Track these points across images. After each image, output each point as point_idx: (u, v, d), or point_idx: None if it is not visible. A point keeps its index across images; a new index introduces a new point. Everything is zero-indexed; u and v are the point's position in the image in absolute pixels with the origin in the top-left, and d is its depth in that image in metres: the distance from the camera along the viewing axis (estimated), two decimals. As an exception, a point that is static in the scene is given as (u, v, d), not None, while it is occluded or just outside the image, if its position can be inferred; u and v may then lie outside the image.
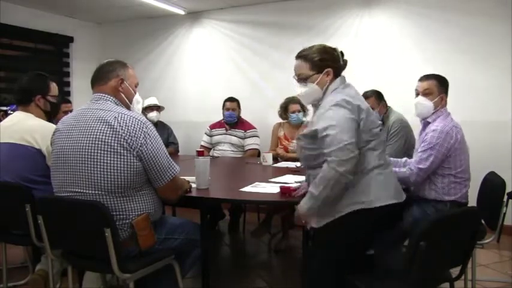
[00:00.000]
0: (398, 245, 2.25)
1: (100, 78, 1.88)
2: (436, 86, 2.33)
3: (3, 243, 2.37)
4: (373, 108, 3.18)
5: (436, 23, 3.94)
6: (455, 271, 1.76)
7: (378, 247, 2.30)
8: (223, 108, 4.21)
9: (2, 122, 2.40)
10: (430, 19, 3.97)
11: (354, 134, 1.68)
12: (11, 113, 2.71)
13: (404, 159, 2.59)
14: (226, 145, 4.14)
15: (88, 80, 1.92)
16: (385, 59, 4.16)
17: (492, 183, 2.40)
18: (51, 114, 2.44)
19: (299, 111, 3.70)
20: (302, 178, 2.48)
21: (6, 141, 2.24)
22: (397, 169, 2.29)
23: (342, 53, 1.94)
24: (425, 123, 2.36)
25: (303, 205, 1.76)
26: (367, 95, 3.22)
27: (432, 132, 2.22)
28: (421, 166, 2.19)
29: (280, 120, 3.90)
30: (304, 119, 3.75)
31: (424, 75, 2.41)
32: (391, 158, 2.61)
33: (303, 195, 1.84)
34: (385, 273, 1.75)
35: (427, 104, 2.32)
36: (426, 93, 2.34)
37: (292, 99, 3.73)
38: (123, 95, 1.89)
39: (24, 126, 2.27)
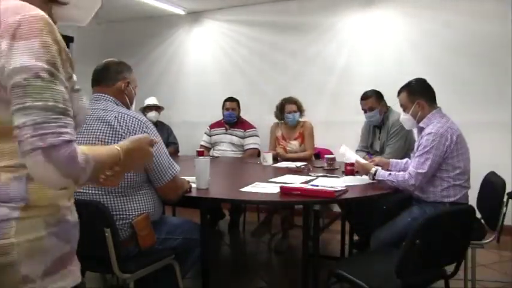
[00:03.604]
0: (397, 244, 2.25)
1: (108, 78, 1.87)
2: (407, 97, 2.38)
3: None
4: (374, 108, 3.19)
5: (436, 24, 3.94)
6: (451, 268, 1.77)
7: (376, 246, 2.31)
8: (223, 108, 4.21)
9: None
10: (431, 19, 3.97)
11: None
12: None
13: (405, 160, 2.59)
14: (226, 145, 4.14)
15: (88, 80, 1.92)
16: (386, 59, 4.17)
17: (492, 183, 2.40)
18: None
19: (295, 112, 3.68)
20: (302, 178, 2.49)
21: None
22: (396, 172, 2.29)
23: None
24: (420, 128, 2.36)
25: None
26: (367, 95, 3.22)
27: (427, 135, 2.22)
28: (419, 171, 2.19)
29: (277, 121, 3.89)
30: (300, 119, 3.74)
31: (398, 91, 2.45)
32: (392, 160, 2.62)
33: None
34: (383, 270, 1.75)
35: (406, 118, 2.41)
36: (403, 108, 2.44)
37: (288, 99, 3.71)
38: (126, 98, 1.90)
39: None
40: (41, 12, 0.83)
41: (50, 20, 0.84)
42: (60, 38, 0.85)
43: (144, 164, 1.14)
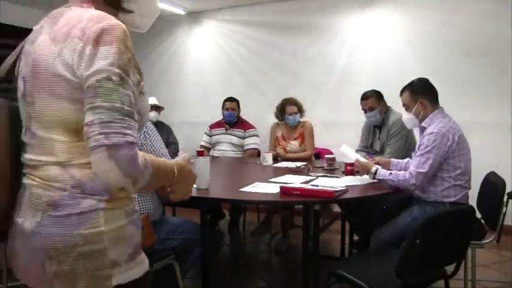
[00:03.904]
0: (397, 244, 2.25)
1: None
2: (409, 96, 2.38)
3: (3, 243, 2.36)
4: (374, 108, 3.18)
5: (436, 24, 3.95)
6: (451, 268, 1.78)
7: (376, 246, 2.31)
8: (222, 108, 4.21)
9: None
10: (430, 20, 3.97)
11: None
12: None
13: (406, 159, 2.59)
14: (226, 145, 4.14)
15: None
16: (386, 59, 4.17)
17: (492, 183, 2.40)
18: None
19: (296, 113, 3.68)
20: (302, 178, 2.49)
21: None
22: (397, 172, 2.29)
23: None
24: (422, 128, 2.36)
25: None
26: (367, 95, 3.22)
27: (429, 135, 2.22)
28: (420, 170, 2.18)
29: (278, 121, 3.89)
30: (300, 119, 3.74)
31: (401, 90, 2.45)
32: (393, 159, 2.62)
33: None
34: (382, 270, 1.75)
35: (408, 117, 2.41)
36: (405, 108, 2.43)
37: (289, 100, 3.71)
38: None
39: None
40: (119, 22, 0.90)
41: (126, 29, 0.91)
42: (131, 46, 0.92)
43: (192, 185, 1.23)
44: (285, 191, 2.05)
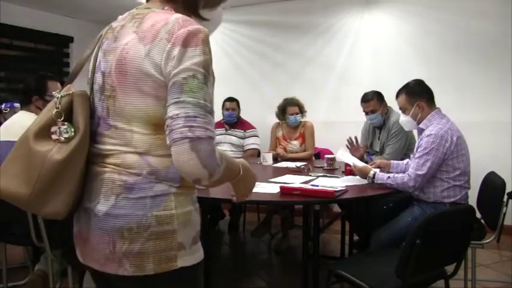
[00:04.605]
0: (398, 244, 2.25)
1: None
2: (406, 99, 2.37)
3: (3, 243, 2.36)
4: (375, 110, 3.17)
5: (435, 24, 3.95)
6: (451, 268, 1.78)
7: (376, 246, 2.31)
8: (222, 108, 4.20)
9: (5, 122, 2.43)
10: (430, 20, 3.97)
11: None
12: (6, 111, 2.73)
13: (406, 160, 2.58)
14: (226, 145, 4.14)
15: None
16: (385, 59, 4.17)
17: (492, 183, 2.40)
18: None
19: (297, 114, 3.69)
20: (302, 178, 2.49)
21: (5, 139, 2.26)
22: (395, 175, 2.29)
23: None
24: (420, 130, 2.36)
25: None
26: (368, 98, 3.20)
27: (427, 137, 2.22)
28: (418, 172, 2.18)
29: (278, 121, 3.89)
30: (301, 120, 3.74)
31: (397, 93, 2.45)
32: (393, 161, 2.62)
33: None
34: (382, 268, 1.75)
35: (406, 119, 2.40)
36: (402, 110, 2.43)
37: (290, 101, 3.72)
38: None
39: (21, 124, 2.28)
40: (202, 27, 0.97)
41: (208, 33, 0.97)
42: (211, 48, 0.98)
43: (252, 188, 1.26)
44: (285, 191, 2.05)
